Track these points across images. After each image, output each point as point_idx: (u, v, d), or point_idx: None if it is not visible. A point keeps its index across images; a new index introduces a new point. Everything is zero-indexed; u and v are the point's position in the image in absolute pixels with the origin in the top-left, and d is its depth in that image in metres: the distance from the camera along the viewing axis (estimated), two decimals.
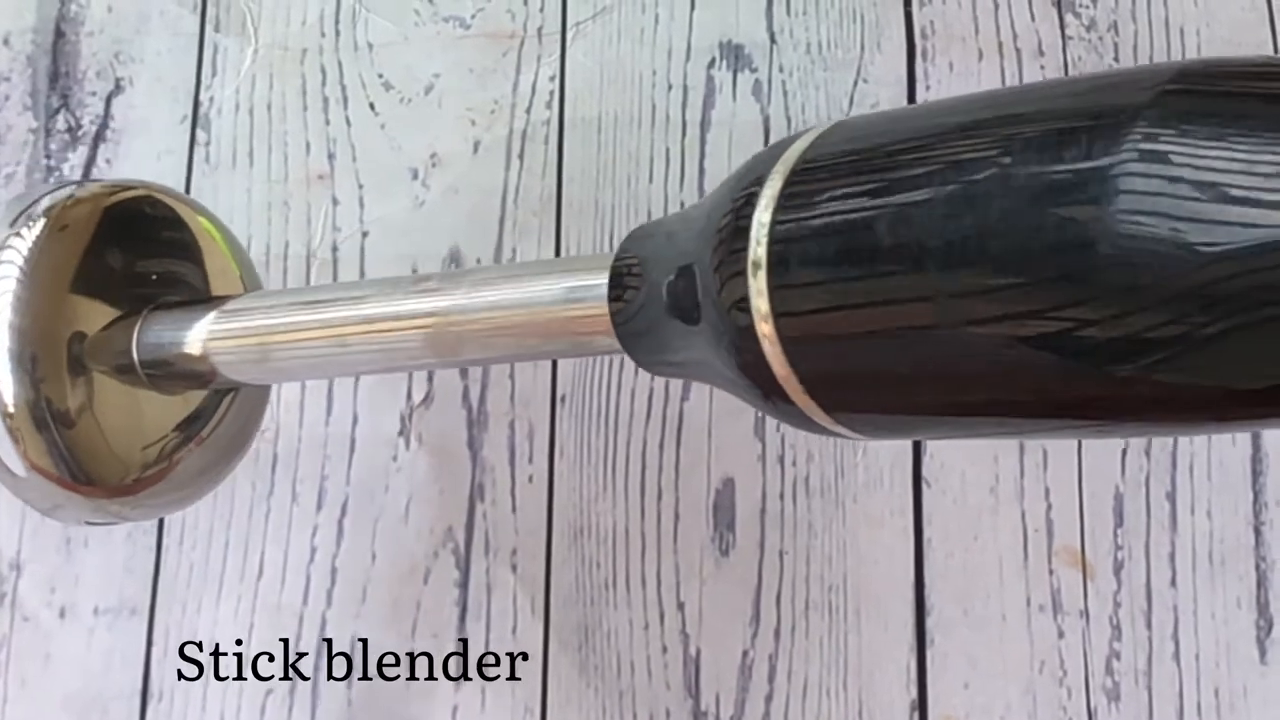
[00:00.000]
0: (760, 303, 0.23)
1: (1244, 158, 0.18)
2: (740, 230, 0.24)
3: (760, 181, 0.24)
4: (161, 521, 0.48)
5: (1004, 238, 0.20)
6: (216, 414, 0.38)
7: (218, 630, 0.47)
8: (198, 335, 0.35)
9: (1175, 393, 0.19)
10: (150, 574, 0.47)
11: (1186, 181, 0.18)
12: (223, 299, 0.36)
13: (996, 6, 0.50)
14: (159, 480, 0.36)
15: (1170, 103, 0.19)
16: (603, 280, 0.28)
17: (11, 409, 0.33)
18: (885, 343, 0.22)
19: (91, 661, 0.47)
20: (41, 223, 0.34)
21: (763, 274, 0.23)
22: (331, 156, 0.51)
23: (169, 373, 0.36)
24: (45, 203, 0.35)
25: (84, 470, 0.34)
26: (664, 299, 0.26)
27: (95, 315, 0.35)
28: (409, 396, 0.48)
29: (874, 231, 0.22)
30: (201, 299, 0.37)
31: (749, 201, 0.24)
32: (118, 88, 0.52)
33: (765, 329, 0.23)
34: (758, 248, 0.23)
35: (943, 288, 0.21)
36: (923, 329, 0.21)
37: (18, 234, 0.34)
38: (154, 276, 0.37)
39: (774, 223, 0.23)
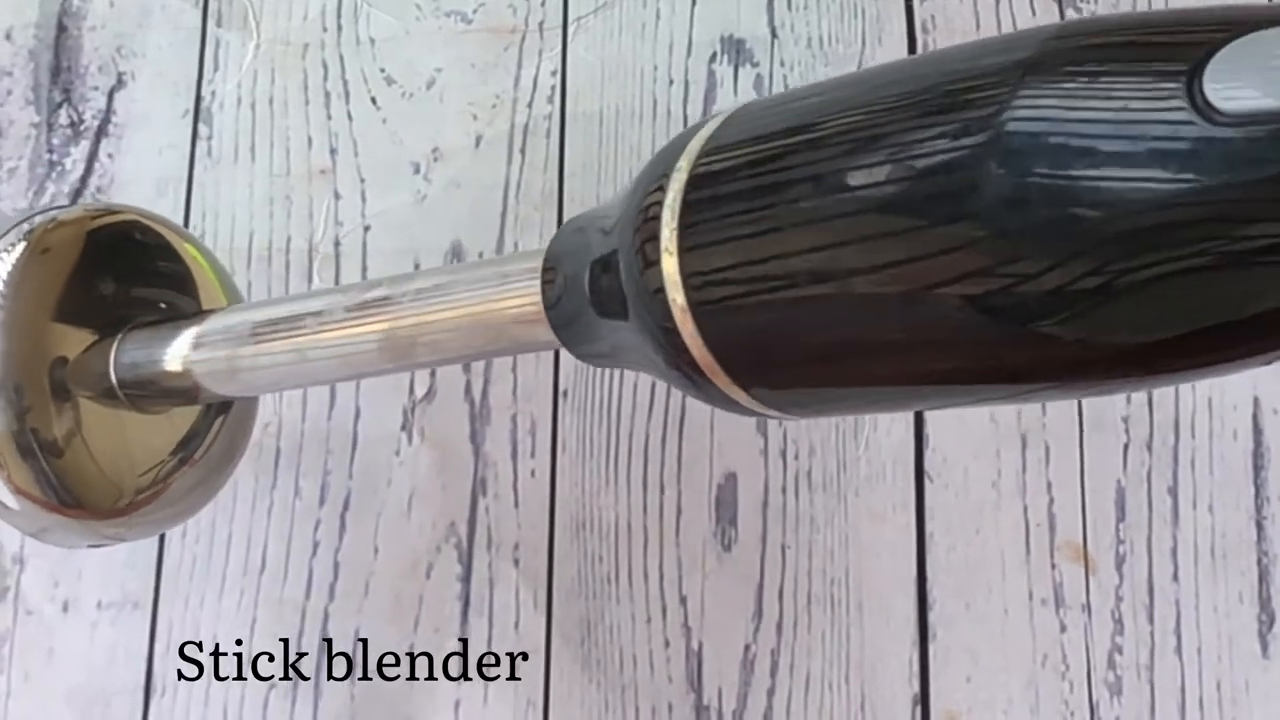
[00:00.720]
0: (671, 270, 0.23)
1: (1118, 112, 0.19)
2: (653, 212, 0.24)
3: (668, 170, 0.24)
4: None
5: (898, 192, 0.20)
6: (209, 434, 0.38)
7: (220, 625, 0.47)
8: (175, 352, 0.35)
9: (1086, 348, 0.19)
10: (153, 568, 0.47)
11: (1067, 136, 0.19)
12: (196, 315, 0.36)
13: (997, 1, 0.50)
14: (152, 501, 0.36)
15: (1051, 49, 0.20)
16: (535, 273, 0.29)
17: None
18: (791, 304, 0.22)
19: (94, 656, 0.47)
20: (22, 246, 0.34)
21: (674, 244, 0.23)
22: (333, 151, 0.51)
23: (151, 392, 0.36)
24: (25, 226, 0.35)
25: (74, 496, 0.34)
26: (585, 287, 0.27)
27: (77, 340, 0.35)
28: (411, 391, 0.48)
29: (777, 196, 0.22)
30: (174, 316, 0.37)
31: (660, 187, 0.24)
32: (120, 82, 0.52)
33: (677, 299, 0.24)
34: (669, 229, 0.24)
35: (842, 245, 0.21)
36: (826, 283, 0.22)
37: None
38: (138, 301, 0.37)
39: (684, 202, 0.24)
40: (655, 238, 0.24)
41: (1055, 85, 0.19)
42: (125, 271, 0.37)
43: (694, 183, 0.24)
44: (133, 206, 0.39)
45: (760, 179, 0.23)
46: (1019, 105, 0.19)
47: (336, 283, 0.49)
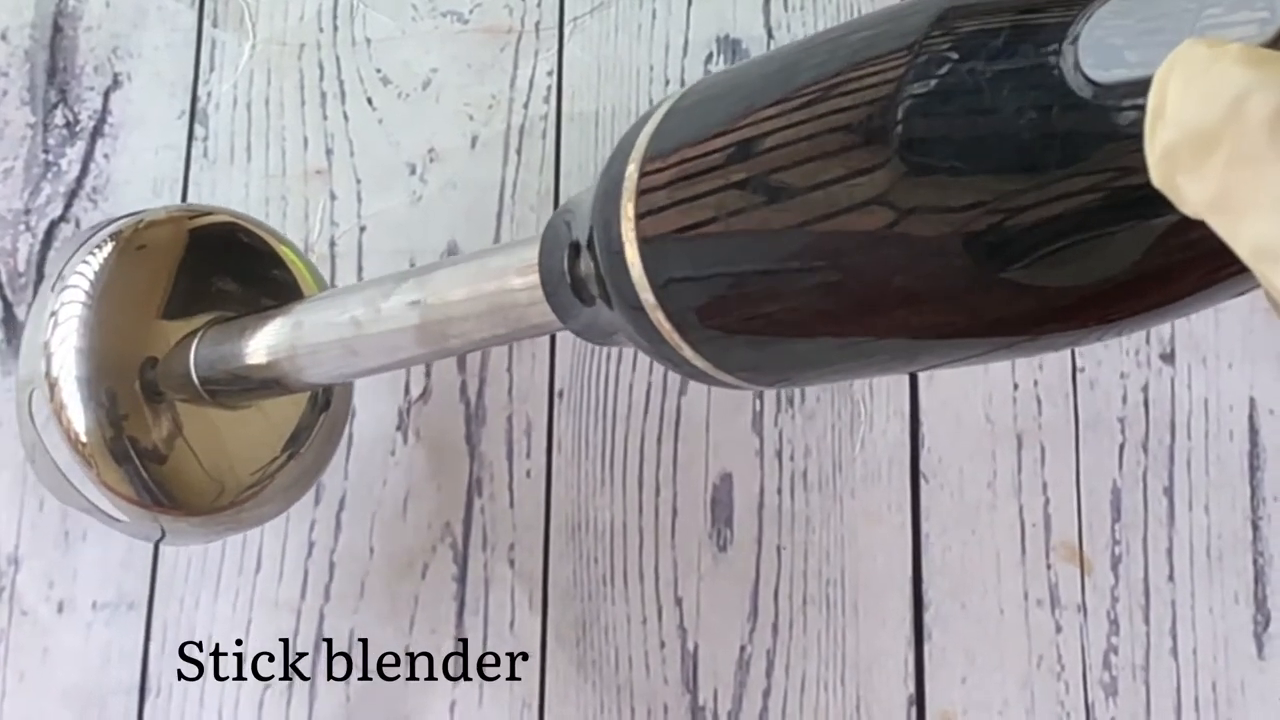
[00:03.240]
0: (628, 230, 0.26)
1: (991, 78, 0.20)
2: (614, 188, 0.27)
3: (629, 148, 0.27)
4: None
5: (817, 135, 0.22)
6: (315, 428, 0.38)
7: (215, 626, 0.47)
8: (246, 347, 0.35)
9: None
10: (148, 569, 0.47)
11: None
12: (260, 312, 0.36)
13: None
14: (254, 497, 0.36)
15: (935, 45, 0.21)
16: (534, 256, 0.30)
17: (84, 439, 0.32)
18: (733, 251, 0.24)
19: (89, 656, 0.47)
20: (110, 246, 0.34)
21: (630, 209, 0.26)
22: (329, 151, 0.51)
23: (235, 387, 0.36)
24: (113, 228, 0.34)
25: (175, 499, 0.34)
26: (561, 264, 0.29)
27: (167, 341, 0.35)
28: (407, 391, 0.48)
29: (723, 154, 0.24)
30: (250, 311, 0.37)
31: (624, 159, 0.27)
32: (115, 83, 0.52)
33: (630, 255, 0.26)
34: (628, 200, 0.26)
35: (777, 190, 0.23)
36: (768, 230, 0.24)
37: (84, 260, 0.34)
38: (232, 301, 0.36)
39: (641, 173, 0.26)
40: (617, 224, 0.26)
41: (945, 71, 0.21)
42: (218, 272, 0.36)
43: (651, 154, 0.26)
44: (225, 208, 0.39)
45: (709, 149, 0.25)
46: (917, 88, 0.21)
47: (332, 284, 0.49)
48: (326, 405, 0.39)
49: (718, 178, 0.24)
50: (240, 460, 0.36)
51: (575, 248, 0.29)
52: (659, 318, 0.26)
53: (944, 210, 0.21)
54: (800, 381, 0.32)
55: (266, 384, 0.36)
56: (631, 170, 0.26)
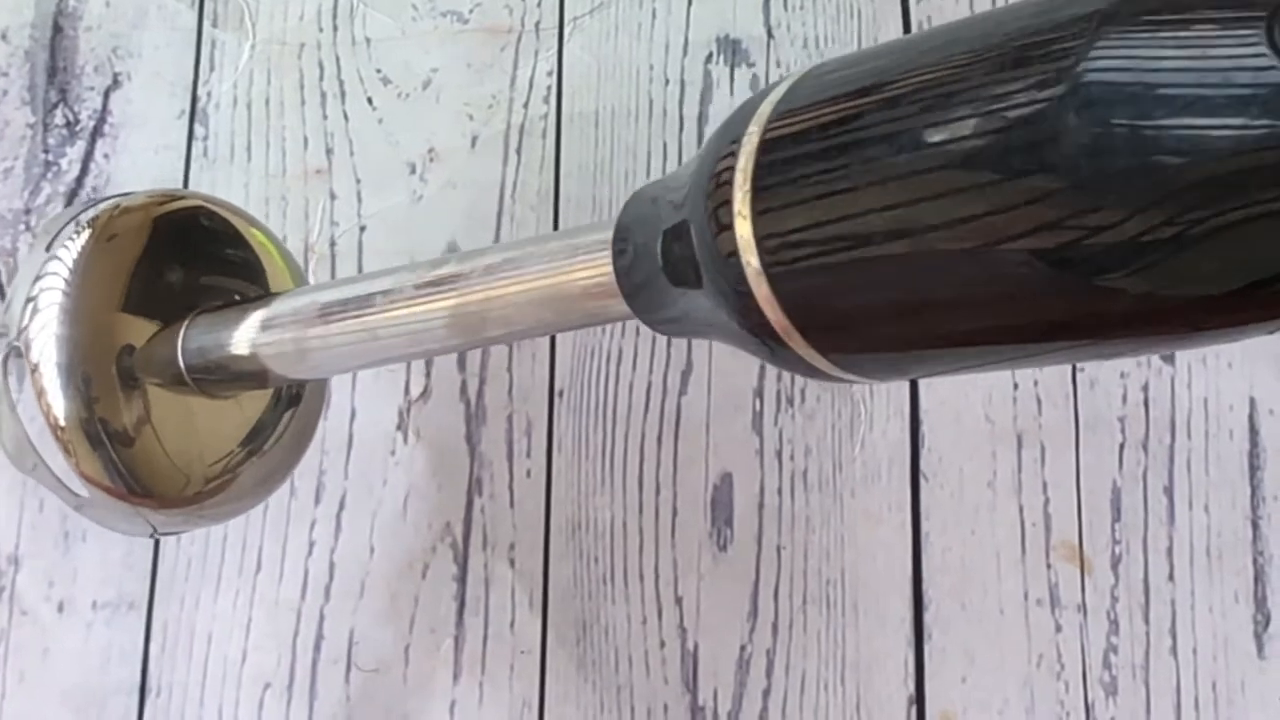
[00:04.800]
0: (745, 234, 0.24)
1: (1197, 59, 0.18)
2: (725, 178, 0.24)
3: (739, 136, 0.24)
4: None
5: (975, 147, 0.20)
6: (279, 425, 0.38)
7: (216, 625, 0.47)
8: (243, 335, 0.35)
9: (1151, 302, 0.19)
10: (148, 569, 0.47)
11: (1145, 84, 0.19)
12: (261, 298, 0.36)
13: (993, 1, 0.50)
14: (220, 491, 0.36)
15: (1127, 7, 0.19)
16: (606, 245, 0.29)
17: (63, 424, 0.33)
18: (866, 265, 0.22)
19: (90, 656, 0.47)
20: (87, 234, 0.34)
21: (747, 209, 0.24)
22: (329, 151, 0.51)
23: (219, 376, 0.36)
24: (90, 213, 0.34)
25: (143, 485, 0.34)
26: (657, 256, 0.27)
27: (144, 328, 0.35)
28: (407, 391, 0.48)
29: (851, 155, 0.22)
30: (240, 301, 0.37)
31: (732, 153, 0.24)
32: (115, 82, 0.52)
33: (751, 262, 0.24)
34: (741, 192, 0.24)
35: (917, 202, 0.21)
36: (902, 241, 0.22)
37: (64, 245, 0.34)
38: (205, 287, 0.36)
39: (756, 166, 0.24)
40: (728, 202, 0.24)
41: (1132, 34, 0.19)
42: (192, 258, 0.36)
43: (765, 146, 0.24)
44: (198, 192, 0.39)
45: (833, 139, 0.23)
46: (1096, 56, 0.19)
47: None
48: (295, 401, 0.39)
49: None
50: (207, 450, 0.36)
51: (675, 230, 0.27)
52: (763, 292, 0.24)
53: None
54: (915, 375, 0.31)
55: (252, 376, 0.36)
56: (752, 131, 0.24)
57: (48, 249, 0.34)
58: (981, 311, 0.22)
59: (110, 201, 0.35)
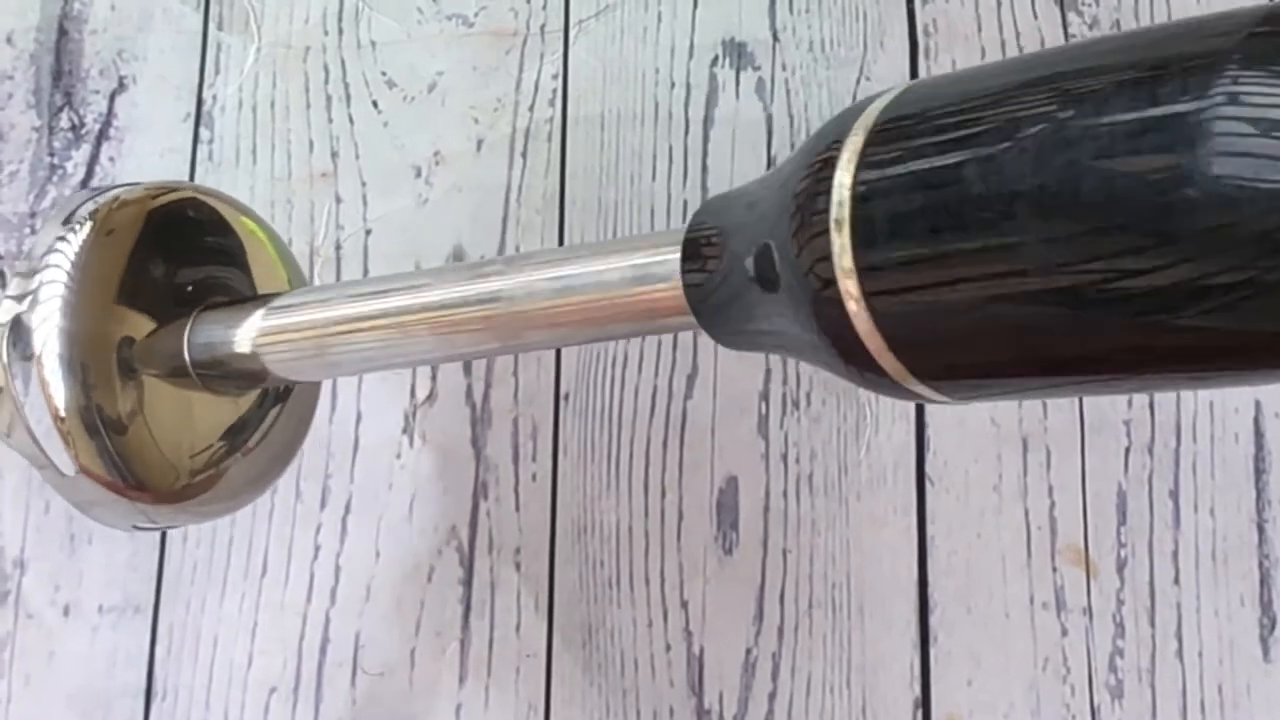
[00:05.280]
0: (844, 262, 0.23)
1: None
2: (820, 192, 0.23)
3: (838, 143, 0.23)
4: None
5: (1095, 182, 0.20)
6: (262, 423, 0.38)
7: (221, 629, 0.47)
8: (248, 333, 0.35)
9: (1260, 339, 0.19)
10: (154, 572, 0.47)
11: (1274, 123, 0.18)
12: (272, 296, 0.36)
13: (999, 4, 0.50)
14: (208, 488, 0.36)
15: (1257, 45, 0.19)
16: (673, 256, 0.28)
17: (63, 413, 0.33)
18: (975, 294, 0.22)
19: (95, 660, 0.47)
20: (88, 226, 0.34)
21: (845, 232, 0.23)
22: (335, 155, 0.51)
23: (222, 373, 0.36)
24: (90, 206, 0.35)
25: (134, 475, 0.34)
26: (743, 269, 0.26)
27: (144, 319, 0.35)
28: (413, 394, 0.48)
29: (961, 181, 0.21)
30: (250, 297, 0.37)
31: (827, 164, 0.23)
32: (121, 86, 0.52)
33: (849, 288, 0.23)
34: (839, 207, 0.23)
35: (1033, 234, 0.21)
36: (1013, 279, 0.21)
37: (64, 238, 0.34)
38: (202, 279, 0.37)
39: (855, 181, 0.23)
40: (824, 233, 0.23)
41: (1264, 82, 0.19)
42: (185, 249, 0.37)
43: (868, 162, 0.23)
44: (191, 184, 0.39)
45: (943, 161, 0.22)
46: (1226, 100, 0.19)
47: None
48: (280, 400, 0.39)
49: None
50: (196, 443, 0.36)
51: (755, 246, 0.26)
52: (857, 310, 0.23)
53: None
54: (1009, 398, 0.30)
55: (254, 374, 0.36)
56: (855, 140, 0.23)
57: (64, 223, 0.34)
58: (1087, 342, 0.21)
59: (112, 194, 0.35)
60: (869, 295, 0.23)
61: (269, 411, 0.38)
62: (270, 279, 0.39)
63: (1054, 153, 0.20)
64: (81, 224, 0.34)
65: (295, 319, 0.35)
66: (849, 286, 0.23)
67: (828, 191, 0.23)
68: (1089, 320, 0.21)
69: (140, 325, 0.35)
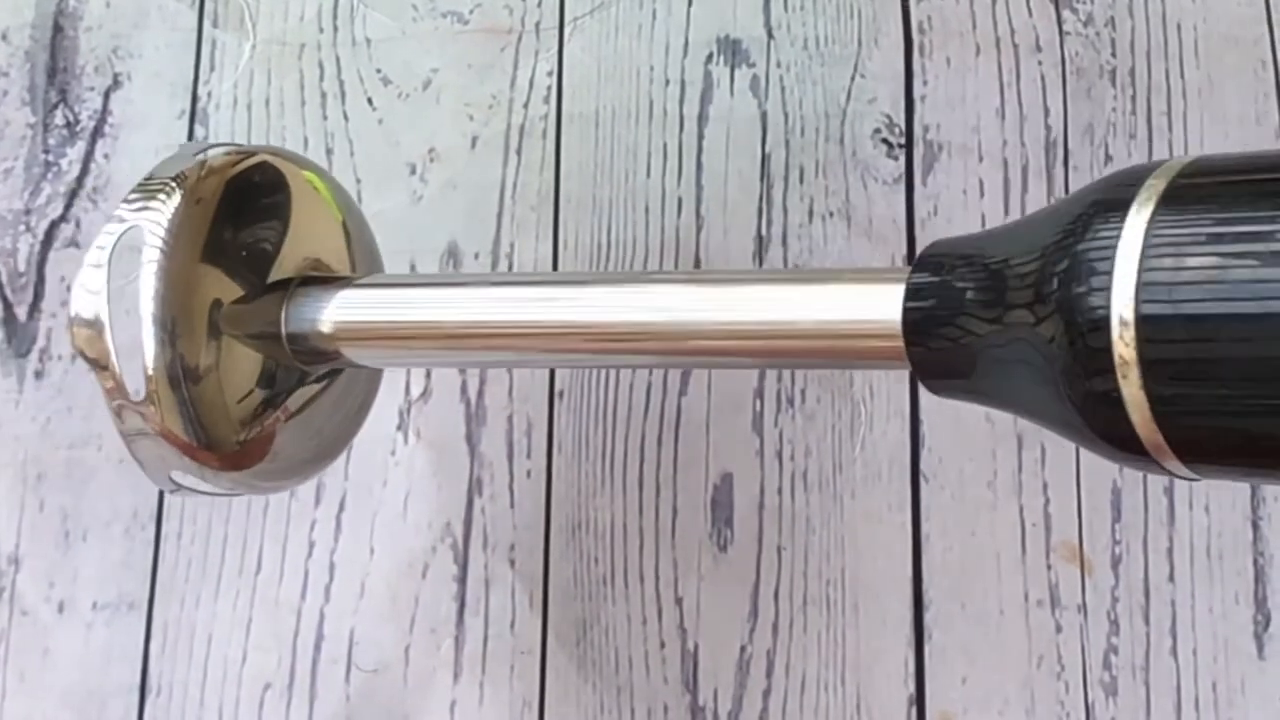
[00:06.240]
0: (1125, 354, 0.21)
1: None
2: (1096, 272, 0.21)
3: (1111, 246, 0.21)
4: (160, 516, 0.48)
5: None
6: (323, 400, 0.38)
7: (216, 626, 0.47)
8: (341, 319, 0.36)
9: None
10: (148, 569, 0.47)
11: None
12: (373, 280, 0.37)
13: (993, 1, 0.51)
14: (263, 456, 0.37)
15: None
16: (892, 306, 0.26)
17: (151, 371, 0.34)
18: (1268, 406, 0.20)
19: (90, 656, 0.47)
20: (179, 194, 0.35)
21: (1130, 331, 0.21)
22: (330, 151, 0.51)
23: (305, 347, 0.36)
24: (177, 169, 0.36)
25: (205, 432, 0.35)
26: (990, 342, 0.24)
27: (229, 283, 0.36)
28: (407, 391, 0.48)
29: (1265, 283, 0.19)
30: (346, 279, 0.38)
31: (1106, 247, 0.21)
32: (116, 83, 0.52)
33: (1133, 394, 0.21)
34: (1123, 303, 0.21)
35: None
36: None
37: (159, 200, 0.35)
38: (271, 245, 0.37)
39: (1141, 271, 0.21)
40: (1103, 329, 0.21)
41: None
42: (261, 213, 0.37)
43: (1157, 245, 0.20)
44: (269, 147, 0.40)
45: (1239, 263, 0.20)
46: None
47: None
48: (337, 373, 0.39)
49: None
50: (252, 408, 0.37)
51: (994, 307, 0.24)
52: (1141, 421, 0.21)
53: None
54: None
55: (329, 355, 0.36)
56: (1155, 183, 0.21)
57: (177, 184, 0.35)
58: None
59: (197, 160, 0.36)
60: (1156, 402, 0.21)
61: (331, 388, 0.39)
62: (315, 226, 0.39)
63: None
64: (171, 192, 0.35)
65: (401, 317, 0.36)
66: (1133, 391, 0.21)
67: (1107, 288, 0.21)
68: None
69: (226, 289, 0.36)
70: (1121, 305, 0.21)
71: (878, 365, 0.28)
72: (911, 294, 0.26)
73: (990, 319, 0.24)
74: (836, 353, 0.28)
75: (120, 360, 0.34)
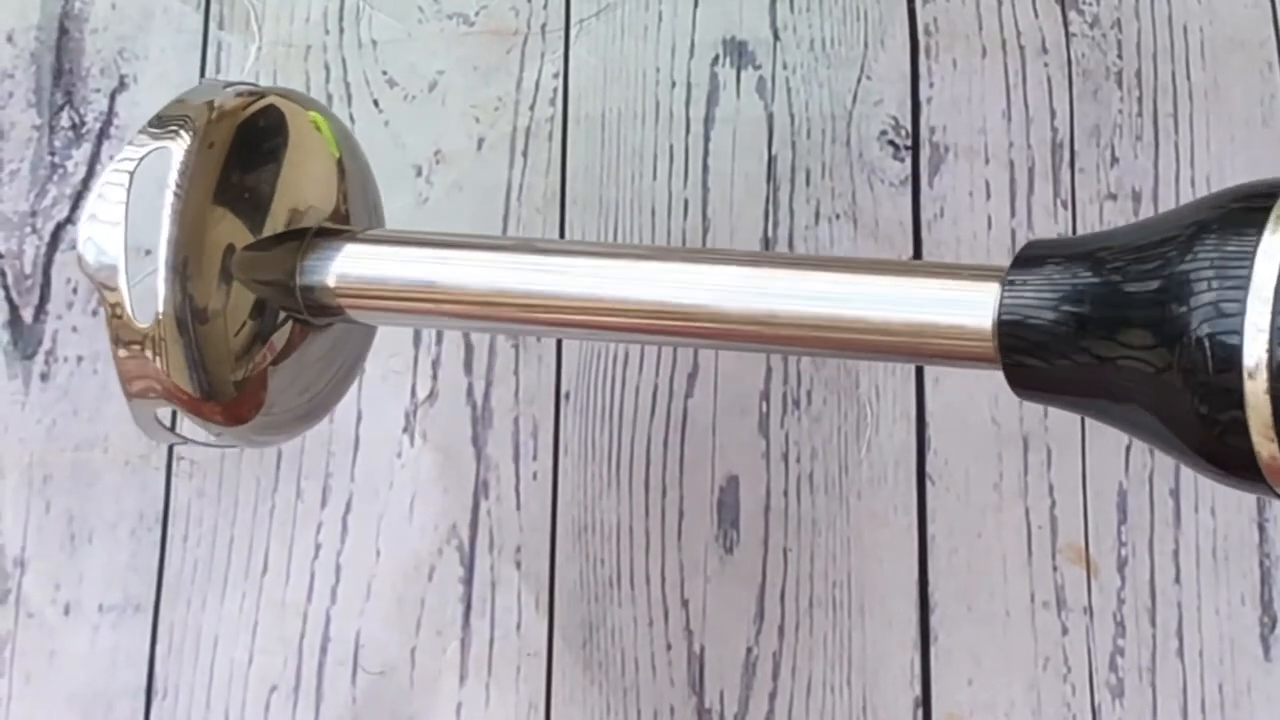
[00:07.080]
0: (1256, 398, 0.20)
1: None
2: (1224, 314, 0.20)
3: (1247, 250, 0.20)
4: (166, 519, 0.48)
5: None
6: (320, 349, 0.38)
7: (222, 628, 0.47)
8: (354, 273, 0.35)
9: None
10: (154, 571, 0.47)
11: None
12: (390, 236, 0.37)
13: (1000, 3, 0.50)
14: (258, 406, 0.36)
15: None
16: (986, 305, 0.25)
17: (161, 314, 0.34)
18: None
19: (96, 659, 0.47)
20: (190, 136, 0.35)
21: (1264, 373, 0.20)
22: None
23: (313, 300, 0.36)
24: (185, 111, 0.35)
25: (209, 378, 0.35)
26: (1093, 360, 0.23)
27: (241, 228, 0.36)
28: (413, 393, 0.48)
29: None
30: (358, 235, 0.37)
31: (1240, 280, 0.21)
32: (121, 85, 0.52)
33: (1263, 438, 0.20)
34: (1257, 346, 0.20)
35: None
36: None
37: (175, 137, 0.35)
38: (280, 185, 0.37)
39: (1276, 314, 0.20)
40: (1233, 368, 0.20)
41: None
42: (267, 157, 0.37)
43: None
44: (274, 88, 0.39)
45: None
46: None
47: None
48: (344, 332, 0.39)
49: None
50: (253, 357, 0.37)
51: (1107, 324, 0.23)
52: (1269, 460, 0.20)
53: None
54: None
55: (333, 310, 0.36)
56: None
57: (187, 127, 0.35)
58: None
59: (209, 102, 0.36)
60: None
61: (325, 341, 0.39)
62: (314, 169, 0.39)
63: None
64: (184, 134, 0.35)
65: (420, 276, 0.35)
66: (1262, 431, 0.20)
67: (1239, 330, 0.20)
68: None
69: (239, 235, 0.35)
70: (1256, 348, 0.20)
71: (967, 366, 0.28)
72: (1008, 308, 0.25)
73: (1095, 340, 0.23)
74: (925, 352, 0.28)
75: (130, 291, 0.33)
